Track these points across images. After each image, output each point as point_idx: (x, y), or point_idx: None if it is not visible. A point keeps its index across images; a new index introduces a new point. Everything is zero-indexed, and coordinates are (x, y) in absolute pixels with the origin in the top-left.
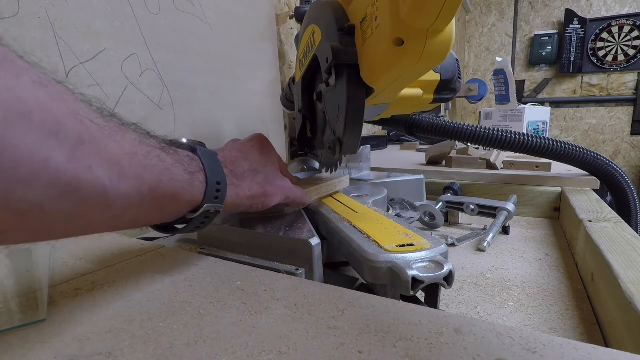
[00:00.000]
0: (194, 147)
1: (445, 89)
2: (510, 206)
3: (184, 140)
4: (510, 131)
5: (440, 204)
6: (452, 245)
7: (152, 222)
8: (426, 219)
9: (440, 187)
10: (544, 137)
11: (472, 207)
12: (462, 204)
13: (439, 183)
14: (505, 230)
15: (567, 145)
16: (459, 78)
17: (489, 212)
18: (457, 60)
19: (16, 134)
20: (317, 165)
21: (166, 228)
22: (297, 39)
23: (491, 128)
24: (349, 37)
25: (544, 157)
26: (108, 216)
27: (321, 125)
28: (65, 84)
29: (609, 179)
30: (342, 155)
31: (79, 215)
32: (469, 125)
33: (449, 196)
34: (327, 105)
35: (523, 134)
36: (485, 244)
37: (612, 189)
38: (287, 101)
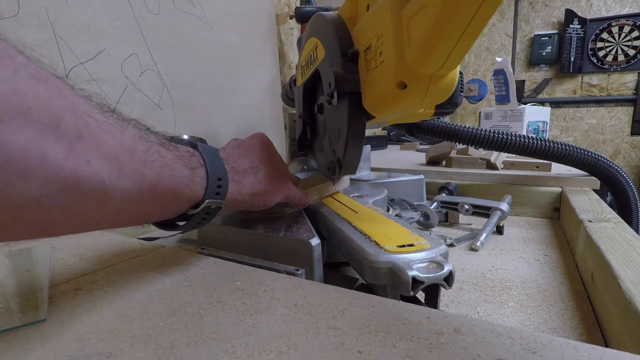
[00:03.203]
0: (194, 143)
1: (447, 103)
2: (504, 206)
3: (185, 137)
4: (511, 133)
5: (435, 203)
6: (451, 245)
7: (153, 218)
8: (421, 218)
9: None
10: (544, 138)
11: (466, 207)
12: (456, 203)
13: (438, 183)
14: (499, 230)
15: (567, 147)
16: (461, 92)
17: (483, 212)
18: (460, 73)
19: (14, 129)
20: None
21: (168, 225)
22: (300, 43)
23: (491, 130)
24: (353, 63)
25: (544, 159)
26: (108, 212)
27: (321, 132)
28: (65, 80)
29: (609, 179)
30: (342, 175)
31: (78, 210)
32: (469, 127)
33: (443, 196)
34: (328, 120)
35: (523, 135)
36: (479, 244)
37: (613, 189)
38: (287, 98)
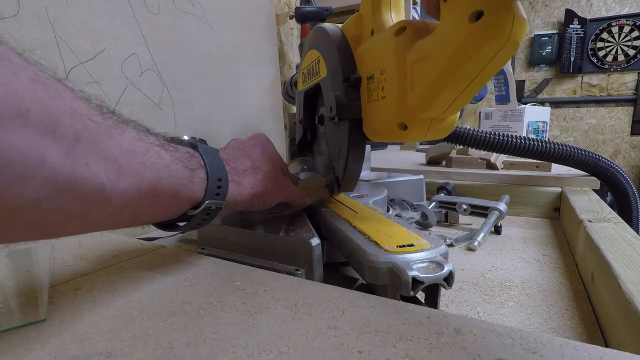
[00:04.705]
0: (194, 144)
1: None
2: (502, 206)
3: (185, 138)
4: (511, 135)
5: (434, 203)
6: (451, 245)
7: (153, 219)
8: (419, 218)
9: None
10: (544, 140)
11: (464, 206)
12: (454, 203)
13: (438, 183)
14: (497, 230)
15: (567, 148)
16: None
17: (481, 212)
18: None
19: (12, 131)
20: None
21: (168, 225)
22: (302, 47)
23: (492, 132)
24: (354, 89)
25: (545, 161)
26: (107, 213)
27: (320, 136)
28: (64, 81)
29: (610, 179)
30: (340, 193)
31: (77, 212)
32: (469, 129)
33: (442, 196)
34: (329, 134)
35: (523, 137)
36: (476, 244)
37: (614, 189)
38: (287, 96)
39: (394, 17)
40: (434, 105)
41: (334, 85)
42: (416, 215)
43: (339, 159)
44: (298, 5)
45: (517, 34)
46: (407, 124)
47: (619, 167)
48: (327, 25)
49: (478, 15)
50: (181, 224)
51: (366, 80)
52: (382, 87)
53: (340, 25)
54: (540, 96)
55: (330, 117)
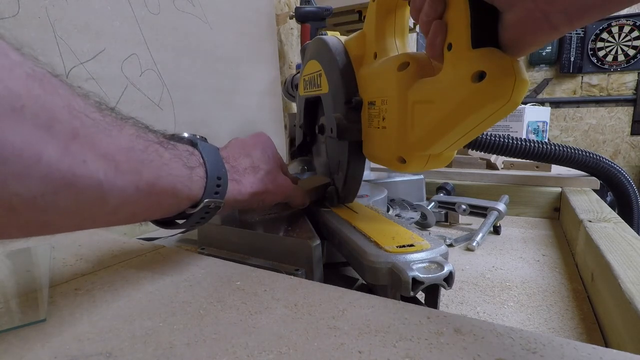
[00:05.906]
0: (194, 142)
1: None
2: (501, 206)
3: (185, 135)
4: (510, 137)
5: (433, 203)
6: (451, 245)
7: (151, 217)
8: (419, 218)
9: None
10: (545, 142)
11: (463, 207)
12: (454, 203)
13: (438, 183)
14: (496, 230)
15: (568, 149)
16: None
17: (480, 212)
18: None
19: (7, 129)
20: None
21: (167, 223)
22: (303, 52)
23: (493, 135)
24: (355, 112)
25: (546, 162)
26: (105, 211)
27: (320, 140)
28: (62, 78)
29: (610, 179)
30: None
31: (74, 209)
32: None
33: (441, 196)
34: (329, 146)
35: (523, 139)
36: (475, 244)
37: (615, 189)
38: (288, 94)
39: (397, 42)
40: (433, 146)
41: (335, 104)
42: (416, 215)
43: (339, 172)
44: (298, 5)
45: (517, 96)
46: (406, 159)
47: (619, 167)
48: (330, 39)
49: (480, 76)
50: (180, 221)
51: (367, 104)
52: (383, 117)
53: (343, 39)
54: (540, 96)
55: (331, 136)
